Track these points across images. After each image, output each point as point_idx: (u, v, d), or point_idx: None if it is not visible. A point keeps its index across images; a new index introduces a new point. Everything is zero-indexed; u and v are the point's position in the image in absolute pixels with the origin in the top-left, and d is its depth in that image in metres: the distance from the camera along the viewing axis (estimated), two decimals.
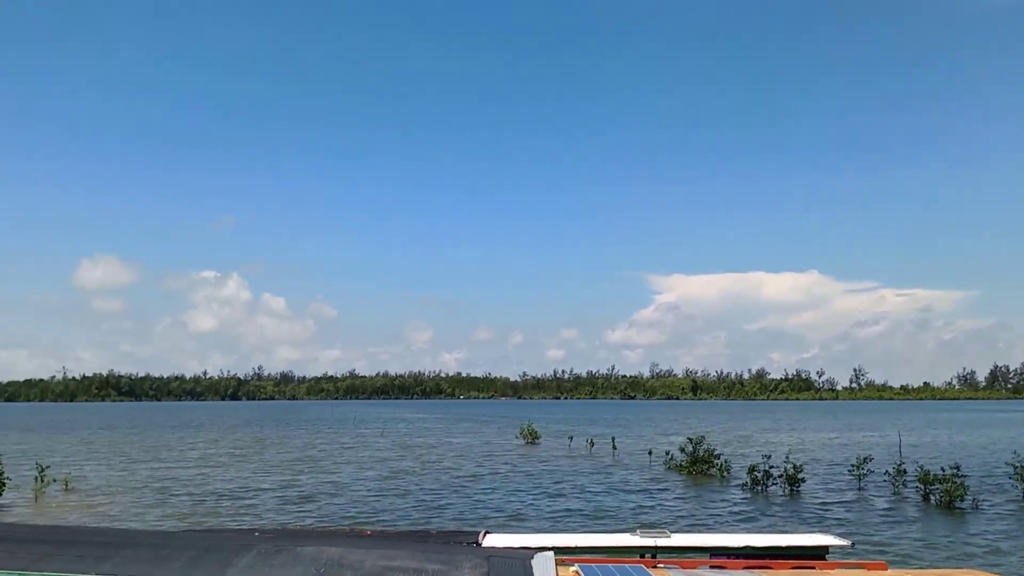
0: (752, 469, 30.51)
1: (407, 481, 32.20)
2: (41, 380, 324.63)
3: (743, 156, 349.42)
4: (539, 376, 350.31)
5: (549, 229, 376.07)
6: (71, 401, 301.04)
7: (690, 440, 37.02)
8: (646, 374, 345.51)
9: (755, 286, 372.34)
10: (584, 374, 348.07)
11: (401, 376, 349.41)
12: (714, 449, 36.76)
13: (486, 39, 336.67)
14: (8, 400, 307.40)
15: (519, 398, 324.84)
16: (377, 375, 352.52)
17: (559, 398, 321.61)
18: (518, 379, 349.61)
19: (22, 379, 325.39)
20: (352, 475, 34.67)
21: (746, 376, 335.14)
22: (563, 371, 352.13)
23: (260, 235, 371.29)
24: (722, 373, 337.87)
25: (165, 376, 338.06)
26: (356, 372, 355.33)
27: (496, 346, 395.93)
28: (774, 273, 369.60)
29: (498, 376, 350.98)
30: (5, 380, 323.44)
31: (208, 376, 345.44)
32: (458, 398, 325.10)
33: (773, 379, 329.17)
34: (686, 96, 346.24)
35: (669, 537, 12.64)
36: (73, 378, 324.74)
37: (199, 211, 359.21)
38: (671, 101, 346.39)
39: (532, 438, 56.73)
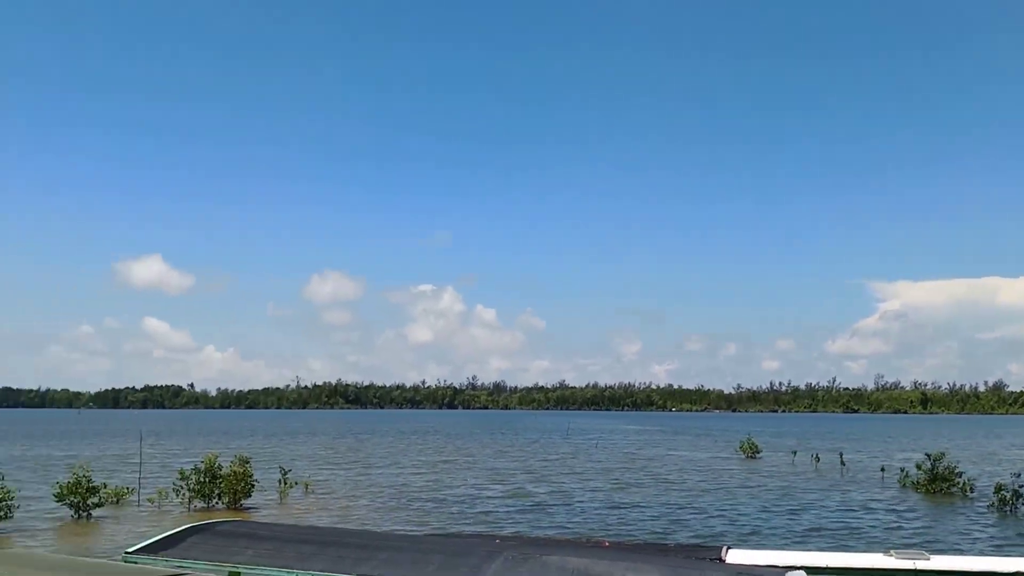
0: (999, 488, 28.20)
1: (632, 493, 31.97)
2: (278, 388, 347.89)
3: (960, 160, 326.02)
4: (754, 388, 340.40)
5: (761, 236, 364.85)
6: (304, 408, 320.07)
7: (928, 456, 34.61)
8: (870, 386, 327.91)
9: (989, 292, 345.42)
10: (803, 386, 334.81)
11: (611, 387, 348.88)
12: (955, 466, 34.19)
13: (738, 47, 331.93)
14: (249, 407, 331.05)
15: (733, 411, 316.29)
16: (587, 386, 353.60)
17: (776, 411, 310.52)
18: (732, 391, 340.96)
19: (261, 388, 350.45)
20: (577, 485, 34.81)
21: (981, 389, 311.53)
22: (780, 383, 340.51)
23: (473, 249, 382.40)
24: (954, 385, 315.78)
25: (387, 385, 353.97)
26: (566, 383, 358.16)
27: (708, 357, 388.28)
28: (1011, 278, 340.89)
29: (711, 388, 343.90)
30: (247, 389, 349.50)
31: (426, 385, 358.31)
32: (670, 410, 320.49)
33: (1012, 392, 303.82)
34: (901, 104, 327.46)
35: (928, 559, 11.78)
36: (305, 387, 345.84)
37: (417, 227, 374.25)
38: (883, 111, 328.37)
39: (752, 452, 54.99)
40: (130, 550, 9.34)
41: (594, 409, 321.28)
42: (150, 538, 9.90)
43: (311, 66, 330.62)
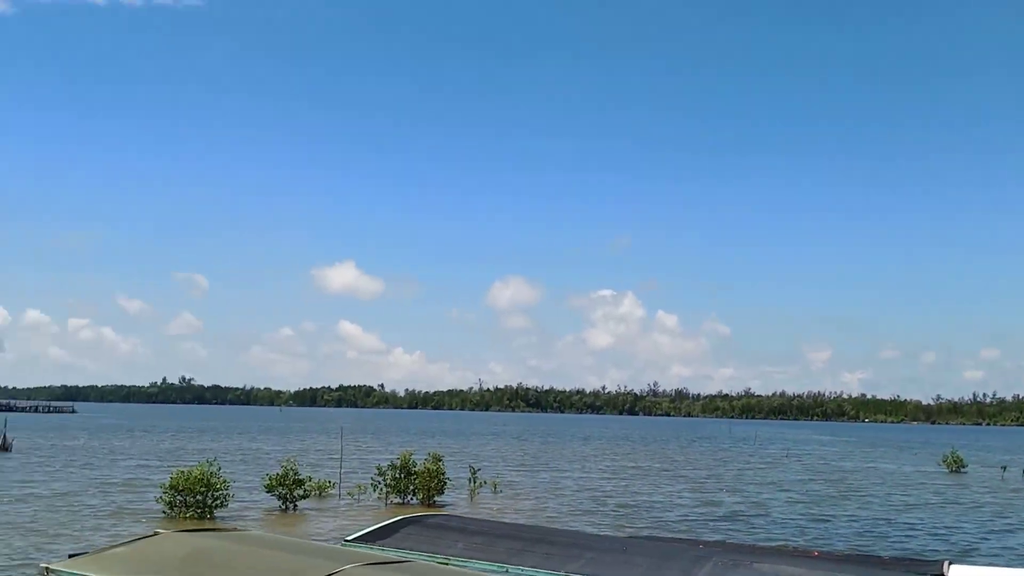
0: None
1: (832, 505, 30.74)
2: (461, 391, 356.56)
3: None
4: (956, 400, 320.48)
5: (964, 239, 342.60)
6: (486, 410, 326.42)
7: None
8: None
9: None
10: (1010, 398, 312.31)
11: (799, 396, 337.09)
12: None
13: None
14: (435, 408, 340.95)
15: (932, 423, 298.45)
16: (773, 395, 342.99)
17: (980, 424, 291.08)
18: (931, 402, 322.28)
19: (446, 389, 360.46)
20: (771, 495, 33.82)
21: None
22: (984, 394, 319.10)
23: (654, 254, 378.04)
24: None
25: (567, 390, 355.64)
26: (751, 391, 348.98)
27: (904, 366, 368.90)
28: None
29: (907, 399, 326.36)
30: (432, 390, 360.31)
31: (606, 391, 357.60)
32: (862, 421, 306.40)
33: None
34: None
35: None
36: (487, 389, 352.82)
37: (597, 232, 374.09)
38: None
39: (957, 466, 51.72)
40: (349, 538, 9.73)
41: (780, 418, 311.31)
42: (366, 528, 10.28)
43: (488, 77, 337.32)
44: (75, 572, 5.60)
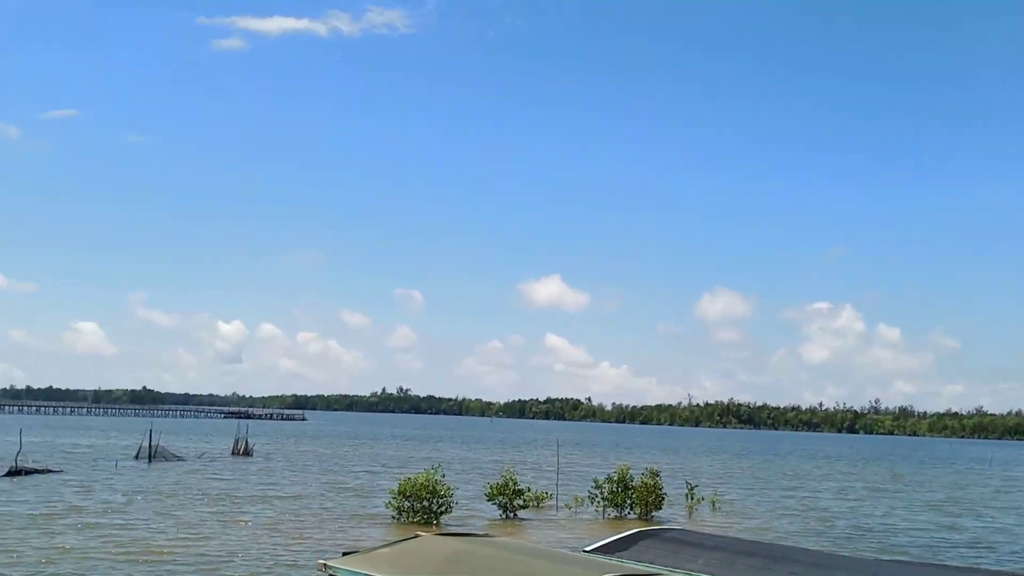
0: None
1: None
2: (670, 406, 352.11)
3: None
4: None
5: None
6: (696, 426, 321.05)
7: None
8: None
9: None
10: None
11: None
12: None
13: None
14: (643, 423, 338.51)
15: None
16: (1008, 413, 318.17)
17: None
18: None
19: (653, 404, 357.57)
20: (1017, 522, 31.45)
21: None
22: None
23: (873, 264, 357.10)
24: None
25: (781, 406, 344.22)
26: (983, 409, 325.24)
27: None
28: None
29: None
30: (639, 404, 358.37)
31: (823, 408, 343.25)
32: None
33: None
34: None
35: None
36: (697, 404, 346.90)
37: (810, 241, 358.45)
38: None
39: None
40: (587, 548, 9.76)
41: (1017, 439, 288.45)
42: (604, 539, 10.28)
43: (693, 86, 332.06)
44: (350, 569, 5.93)
